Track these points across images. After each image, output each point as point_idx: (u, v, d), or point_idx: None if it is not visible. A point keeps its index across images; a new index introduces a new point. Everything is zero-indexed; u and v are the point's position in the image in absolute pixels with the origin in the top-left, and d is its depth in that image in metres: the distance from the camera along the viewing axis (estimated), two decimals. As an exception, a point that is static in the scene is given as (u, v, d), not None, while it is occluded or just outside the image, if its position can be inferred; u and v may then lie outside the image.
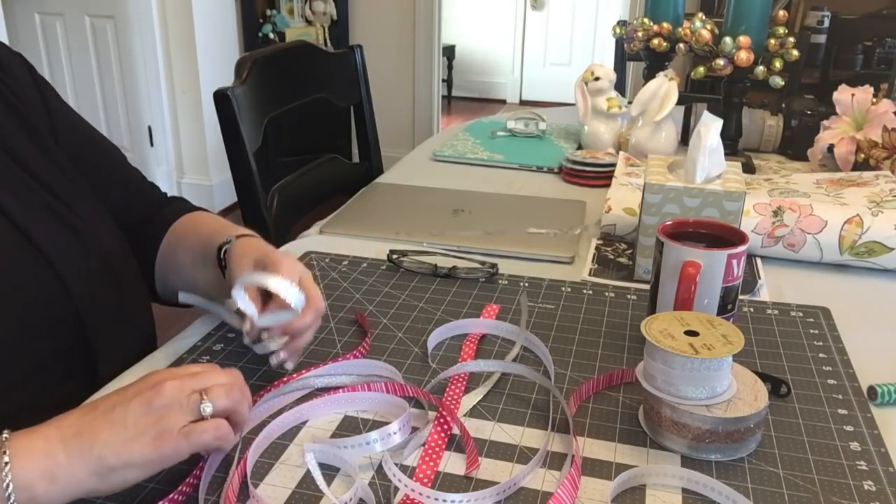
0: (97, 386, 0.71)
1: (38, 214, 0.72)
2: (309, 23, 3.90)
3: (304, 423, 0.65)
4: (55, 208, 0.74)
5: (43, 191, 0.74)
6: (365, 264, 0.98)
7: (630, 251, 1.03)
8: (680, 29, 1.45)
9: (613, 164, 1.30)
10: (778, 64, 1.30)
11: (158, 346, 0.79)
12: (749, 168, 1.36)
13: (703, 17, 1.37)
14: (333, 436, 0.63)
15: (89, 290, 0.73)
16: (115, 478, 0.52)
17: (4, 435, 0.51)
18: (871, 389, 0.69)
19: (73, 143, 0.82)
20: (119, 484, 0.52)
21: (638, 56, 1.65)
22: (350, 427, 0.65)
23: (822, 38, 2.70)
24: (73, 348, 0.73)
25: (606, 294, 0.90)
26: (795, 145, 1.47)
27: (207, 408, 0.55)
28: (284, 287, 0.66)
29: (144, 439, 0.52)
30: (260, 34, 3.77)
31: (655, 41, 1.54)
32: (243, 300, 0.67)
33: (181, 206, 0.92)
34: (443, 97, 4.63)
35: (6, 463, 0.49)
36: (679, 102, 1.37)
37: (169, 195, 0.95)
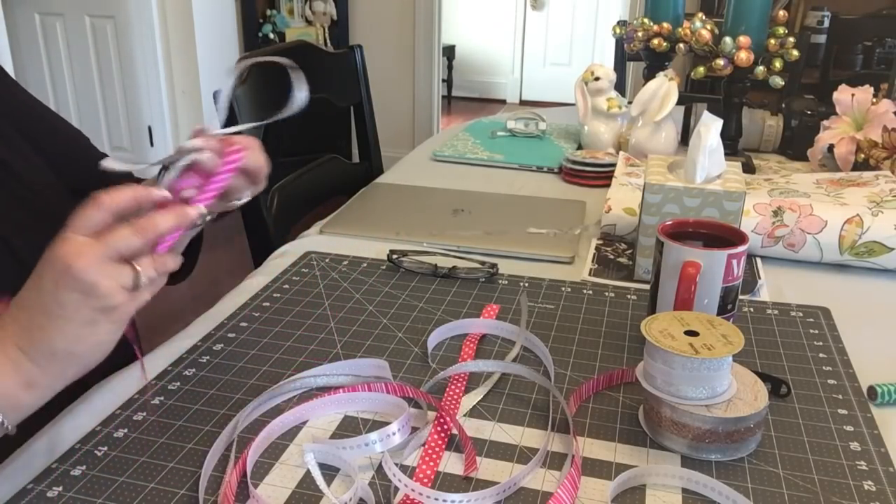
0: None
1: None
2: (309, 23, 3.90)
3: (304, 423, 0.65)
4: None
5: None
6: (365, 264, 0.98)
7: (630, 251, 1.03)
8: (680, 29, 1.45)
9: (613, 164, 1.30)
10: (778, 64, 1.30)
11: (154, 346, 0.79)
12: (749, 168, 1.36)
13: (703, 17, 1.37)
14: (333, 436, 0.63)
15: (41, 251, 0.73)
16: (89, 355, 0.53)
17: None
18: (871, 389, 0.69)
19: (20, 119, 0.80)
20: (97, 350, 0.53)
21: (638, 56, 1.66)
22: (350, 427, 0.65)
23: (822, 38, 2.70)
24: None
25: (606, 294, 0.90)
26: (795, 145, 1.47)
27: (144, 280, 0.52)
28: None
29: (101, 327, 0.52)
30: (260, 34, 3.77)
31: (655, 41, 1.54)
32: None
33: None
34: (443, 97, 4.63)
35: None
36: (679, 102, 1.37)
37: None
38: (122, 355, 0.80)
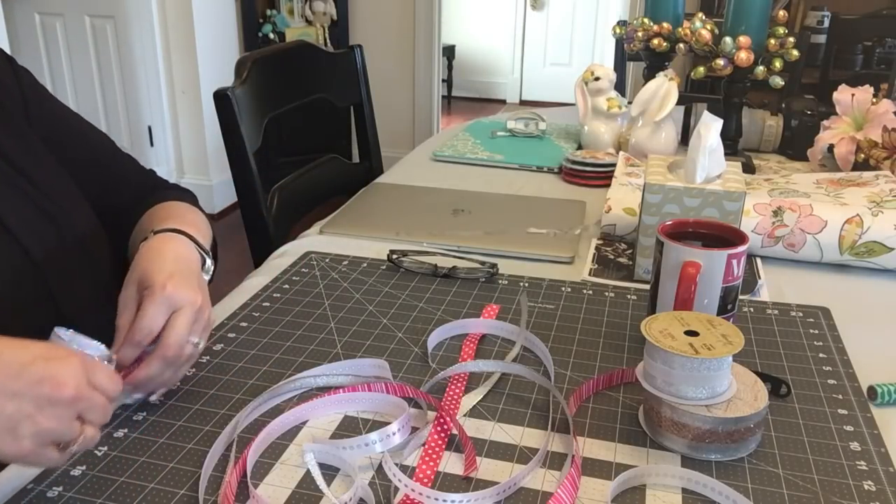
0: None
1: (8, 196, 0.72)
2: (309, 23, 3.90)
3: (304, 423, 0.65)
4: (26, 190, 0.74)
5: (14, 173, 0.74)
6: (365, 264, 0.98)
7: (630, 251, 1.03)
8: (680, 29, 1.45)
9: (613, 164, 1.30)
10: (778, 64, 1.30)
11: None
12: (749, 168, 1.36)
13: (703, 17, 1.37)
14: (333, 436, 0.63)
15: (63, 270, 0.74)
16: None
17: None
18: (871, 389, 0.69)
19: (49, 127, 0.81)
20: None
21: (638, 56, 1.66)
22: (350, 427, 0.65)
23: (822, 38, 2.70)
24: (49, 327, 0.73)
25: (606, 294, 0.90)
26: (795, 145, 1.47)
27: (74, 447, 0.53)
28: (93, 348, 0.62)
29: (13, 438, 0.49)
30: (260, 34, 3.77)
31: (655, 41, 1.54)
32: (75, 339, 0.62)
33: (163, 196, 0.89)
34: (443, 97, 4.63)
35: None
36: (679, 102, 1.37)
37: (170, 182, 0.94)
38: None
